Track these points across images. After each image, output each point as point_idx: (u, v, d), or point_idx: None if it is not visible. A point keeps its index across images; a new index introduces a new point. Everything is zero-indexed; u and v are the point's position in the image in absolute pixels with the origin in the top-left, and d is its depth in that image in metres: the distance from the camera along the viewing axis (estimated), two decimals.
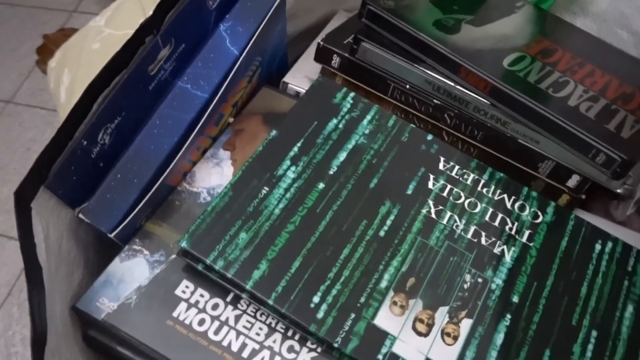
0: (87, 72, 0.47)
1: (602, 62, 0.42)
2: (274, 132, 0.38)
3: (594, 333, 0.33)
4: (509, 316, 0.33)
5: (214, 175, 0.39)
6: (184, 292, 0.34)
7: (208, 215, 0.34)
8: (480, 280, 0.34)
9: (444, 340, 0.32)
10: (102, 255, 0.39)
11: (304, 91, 0.44)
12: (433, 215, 0.36)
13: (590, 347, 0.33)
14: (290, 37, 0.51)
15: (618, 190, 0.37)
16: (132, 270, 0.35)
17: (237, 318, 0.33)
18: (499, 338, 0.32)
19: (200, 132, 0.38)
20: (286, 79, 0.46)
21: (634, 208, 0.41)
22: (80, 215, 0.34)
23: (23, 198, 0.29)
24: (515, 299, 0.34)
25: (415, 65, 0.40)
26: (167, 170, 0.36)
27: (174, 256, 0.35)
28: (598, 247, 0.37)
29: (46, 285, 0.30)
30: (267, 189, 0.36)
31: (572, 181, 0.39)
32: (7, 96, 1.22)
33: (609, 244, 0.37)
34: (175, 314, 0.33)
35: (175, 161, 0.36)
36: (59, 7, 1.37)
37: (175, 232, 0.36)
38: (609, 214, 0.42)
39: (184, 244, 0.33)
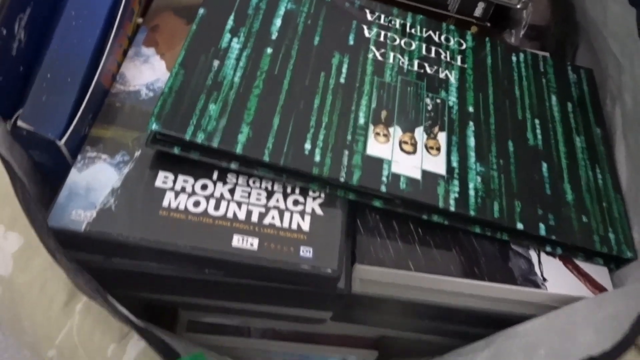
0: None
1: None
2: (202, 11, 0.36)
3: (537, 121, 0.38)
4: (471, 123, 0.36)
5: (147, 72, 0.36)
6: (164, 182, 0.31)
7: (168, 96, 0.31)
8: (438, 101, 0.37)
9: (429, 153, 0.34)
10: (40, 186, 0.33)
11: None
12: (380, 58, 0.38)
13: (538, 132, 0.38)
14: None
15: (518, 7, 0.42)
16: (97, 177, 0.31)
17: (232, 191, 0.32)
18: (471, 141, 0.35)
19: (121, 25, 0.34)
20: None
21: (524, 31, 0.47)
22: (20, 123, 0.28)
23: None
24: (470, 109, 0.37)
25: None
26: (100, 65, 0.32)
27: (139, 152, 0.32)
28: (514, 58, 0.42)
29: None
30: (218, 61, 0.34)
31: (478, 9, 0.43)
32: None
33: (521, 55, 0.42)
34: (165, 204, 0.30)
35: (105, 55, 0.32)
36: None
37: (129, 131, 0.33)
38: (504, 41, 0.47)
39: (154, 127, 0.30)
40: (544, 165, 0.36)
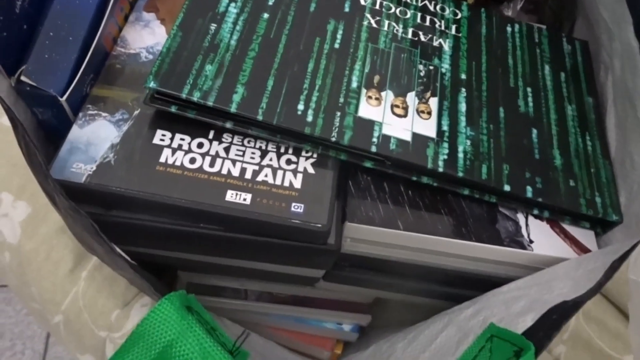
0: None
1: None
2: None
3: (529, 89, 0.39)
4: (463, 89, 0.37)
5: (147, 36, 0.37)
6: (162, 140, 0.32)
7: (166, 56, 0.32)
8: (431, 67, 0.37)
9: (420, 116, 0.35)
10: (43, 144, 0.35)
11: None
12: (374, 25, 0.38)
13: (529, 99, 0.38)
14: None
15: None
16: (97, 133, 0.32)
17: (227, 150, 0.33)
18: (462, 106, 0.36)
19: None
20: None
21: (521, 4, 0.48)
22: (23, 78, 0.30)
23: None
24: (463, 76, 0.38)
25: None
26: (102, 26, 0.33)
27: (138, 112, 0.33)
28: (509, 29, 0.42)
29: None
30: (215, 25, 0.35)
31: None
32: None
33: (517, 26, 0.43)
34: (162, 160, 0.31)
35: (106, 16, 0.33)
36: None
37: (128, 91, 0.34)
38: (500, 13, 0.48)
39: (152, 84, 0.31)
40: (534, 131, 0.37)
